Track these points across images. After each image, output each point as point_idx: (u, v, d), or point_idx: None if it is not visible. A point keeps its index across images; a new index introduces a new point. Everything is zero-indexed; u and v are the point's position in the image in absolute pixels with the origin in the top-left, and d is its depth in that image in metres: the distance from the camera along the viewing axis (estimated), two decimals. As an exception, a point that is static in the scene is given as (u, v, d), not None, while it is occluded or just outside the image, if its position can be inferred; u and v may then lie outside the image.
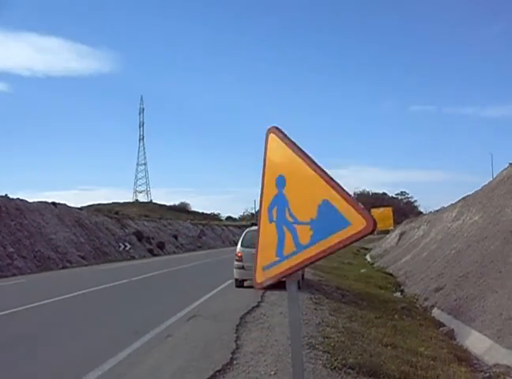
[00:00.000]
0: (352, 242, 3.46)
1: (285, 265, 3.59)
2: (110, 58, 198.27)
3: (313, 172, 3.54)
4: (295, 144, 3.66)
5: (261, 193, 3.83)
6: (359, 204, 3.45)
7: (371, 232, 3.35)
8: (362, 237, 3.36)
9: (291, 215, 3.60)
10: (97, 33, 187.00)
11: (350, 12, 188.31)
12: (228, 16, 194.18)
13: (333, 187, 3.46)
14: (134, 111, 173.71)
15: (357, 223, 3.31)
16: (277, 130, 3.76)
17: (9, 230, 32.43)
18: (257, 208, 3.94)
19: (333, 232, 3.39)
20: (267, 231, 3.76)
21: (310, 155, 3.62)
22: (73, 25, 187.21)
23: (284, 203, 3.64)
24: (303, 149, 3.64)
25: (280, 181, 3.68)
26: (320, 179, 3.51)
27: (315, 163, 3.57)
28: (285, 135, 3.72)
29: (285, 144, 3.68)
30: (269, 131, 3.79)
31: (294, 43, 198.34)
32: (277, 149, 3.73)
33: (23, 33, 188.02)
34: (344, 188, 3.49)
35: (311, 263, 3.63)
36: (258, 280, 3.81)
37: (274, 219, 3.70)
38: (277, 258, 3.64)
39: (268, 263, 3.71)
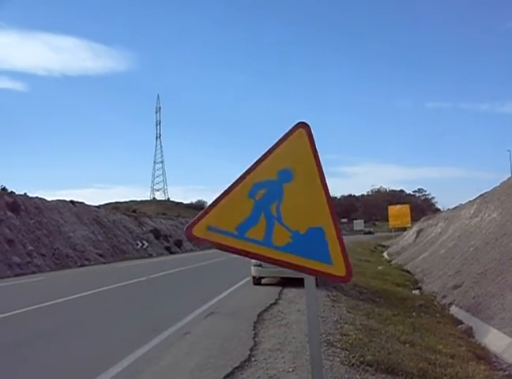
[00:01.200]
0: (321, 277, 3.70)
1: (241, 244, 3.52)
2: (125, 56, 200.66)
3: (323, 195, 3.59)
4: (317, 152, 3.66)
5: (252, 167, 3.63)
6: (347, 254, 3.59)
7: (345, 283, 3.59)
8: (335, 281, 3.61)
9: (277, 211, 3.54)
10: (112, 32, 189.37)
11: (364, 10, 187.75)
12: (246, 17, 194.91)
13: (334, 221, 3.56)
14: (151, 110, 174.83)
15: (339, 268, 3.49)
16: (308, 129, 3.68)
17: (29, 229, 32.74)
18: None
19: (312, 258, 3.50)
20: (238, 202, 3.57)
21: (325, 169, 3.65)
22: (88, 24, 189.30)
23: (278, 196, 3.56)
24: (321, 163, 3.65)
25: (285, 174, 3.60)
26: (325, 204, 3.58)
27: (326, 185, 3.62)
28: (313, 138, 3.67)
29: (310, 147, 3.65)
30: (299, 125, 3.69)
31: (310, 42, 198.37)
32: (298, 145, 3.66)
33: (39, 33, 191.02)
34: (341, 230, 3.63)
35: (273, 264, 3.66)
36: (196, 234, 3.56)
37: (256, 198, 3.56)
38: (235, 232, 3.51)
39: (219, 227, 3.52)
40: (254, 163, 3.65)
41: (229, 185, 3.63)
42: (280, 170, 3.62)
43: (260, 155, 3.68)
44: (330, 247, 3.50)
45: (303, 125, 3.69)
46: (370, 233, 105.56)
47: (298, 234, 3.51)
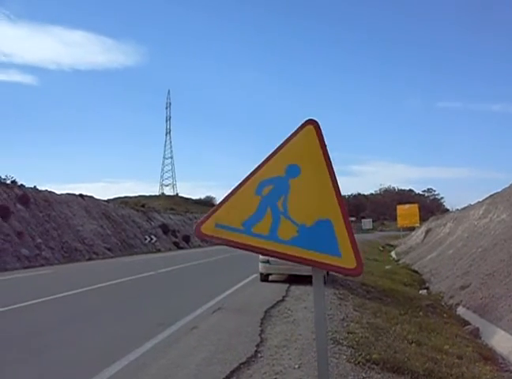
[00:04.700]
0: (329, 270, 3.71)
1: (247, 240, 3.55)
2: (135, 51, 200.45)
3: (332, 187, 3.60)
4: (326, 148, 3.68)
5: (260, 165, 3.70)
6: (358, 246, 3.54)
7: (356, 276, 3.50)
8: (343, 274, 3.58)
9: (283, 205, 3.57)
10: (122, 26, 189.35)
11: (376, 9, 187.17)
12: (258, 13, 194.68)
13: (343, 213, 3.55)
14: (161, 105, 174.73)
15: (348, 260, 3.44)
16: (317, 126, 3.72)
17: (38, 222, 32.88)
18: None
19: (319, 251, 3.47)
20: (246, 199, 3.63)
21: (334, 167, 3.65)
22: (98, 18, 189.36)
23: (285, 191, 3.60)
24: (331, 158, 3.67)
25: (292, 170, 3.63)
26: (334, 196, 3.58)
27: (336, 178, 3.63)
28: (322, 134, 3.70)
29: (318, 142, 3.67)
30: (308, 122, 3.72)
31: (322, 40, 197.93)
32: (307, 142, 3.69)
33: (49, 27, 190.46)
34: (350, 222, 3.60)
35: (278, 258, 3.67)
36: (204, 232, 3.61)
37: (263, 194, 3.61)
38: (242, 228, 3.56)
39: (226, 224, 3.58)
40: (262, 162, 3.70)
41: (237, 183, 3.70)
42: (287, 165, 3.65)
43: (268, 153, 3.72)
44: (339, 239, 3.47)
45: (311, 122, 3.73)
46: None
47: (304, 228, 3.51)
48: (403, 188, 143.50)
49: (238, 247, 3.62)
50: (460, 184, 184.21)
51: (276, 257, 3.73)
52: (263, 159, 3.71)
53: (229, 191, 3.69)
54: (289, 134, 3.73)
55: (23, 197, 33.04)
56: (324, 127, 3.69)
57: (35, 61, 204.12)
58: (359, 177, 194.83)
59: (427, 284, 23.30)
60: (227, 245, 3.65)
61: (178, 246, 54.01)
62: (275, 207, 3.57)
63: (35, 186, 36.44)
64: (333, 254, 3.46)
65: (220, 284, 16.02)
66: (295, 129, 3.73)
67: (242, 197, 3.64)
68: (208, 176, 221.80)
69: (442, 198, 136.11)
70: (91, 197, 44.42)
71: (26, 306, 11.96)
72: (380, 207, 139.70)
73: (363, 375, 6.36)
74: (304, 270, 14.05)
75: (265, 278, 16.23)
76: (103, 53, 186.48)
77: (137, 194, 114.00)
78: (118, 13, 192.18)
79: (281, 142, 3.72)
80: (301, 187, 3.61)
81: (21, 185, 34.70)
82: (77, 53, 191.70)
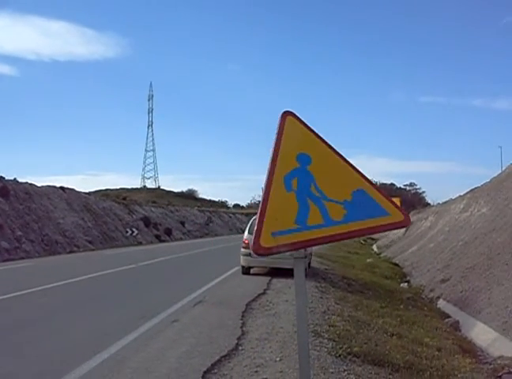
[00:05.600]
0: (386, 230, 3.78)
1: (310, 235, 3.46)
2: (116, 43, 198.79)
3: (343, 162, 3.67)
4: (315, 131, 3.72)
5: (272, 164, 3.62)
6: (396, 203, 3.66)
7: (407, 226, 3.62)
8: (398, 228, 3.74)
9: (318, 190, 3.55)
10: (103, 18, 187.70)
11: (358, 4, 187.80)
12: (239, 5, 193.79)
13: (366, 179, 3.64)
14: (143, 97, 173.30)
15: (396, 215, 3.55)
16: (295, 115, 3.74)
17: (18, 214, 32.56)
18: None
19: (370, 217, 3.53)
20: (281, 199, 3.55)
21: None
22: (79, 9, 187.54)
23: (309, 178, 3.58)
24: (325, 139, 3.70)
25: (303, 158, 3.63)
26: (351, 169, 3.66)
27: (342, 155, 3.69)
28: (304, 122, 3.73)
29: (306, 128, 3.71)
30: (286, 114, 3.74)
31: (302, 34, 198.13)
32: (297, 131, 3.71)
33: (30, 17, 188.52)
34: (378, 187, 3.67)
35: (342, 239, 3.65)
36: (265, 245, 3.40)
37: (294, 189, 3.57)
38: (297, 226, 3.46)
39: (281, 229, 3.45)
40: (272, 160, 3.63)
41: (263, 189, 3.61)
42: (296, 156, 3.64)
43: (270, 153, 3.66)
44: (379, 201, 3.58)
45: (288, 113, 3.75)
46: None
47: (348, 203, 3.55)
48: (385, 182, 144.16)
49: (306, 246, 3.59)
50: (441, 178, 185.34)
51: (344, 239, 3.73)
52: (271, 158, 3.64)
53: (260, 201, 3.60)
54: (276, 129, 3.70)
55: (3, 189, 32.68)
56: (308, 120, 3.70)
57: (15, 51, 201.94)
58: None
59: (407, 277, 23.47)
60: (295, 249, 3.52)
61: (159, 239, 53.85)
62: (312, 195, 3.56)
63: (15, 178, 36.08)
64: (384, 215, 3.55)
65: (201, 277, 16.00)
66: (278, 123, 3.71)
67: (278, 199, 3.56)
68: (191, 169, 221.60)
69: (423, 192, 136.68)
70: (72, 190, 44.06)
71: (5, 299, 11.82)
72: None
73: (344, 368, 6.38)
74: (285, 263, 14.07)
75: (246, 271, 16.24)
76: (83, 44, 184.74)
77: (118, 187, 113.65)
78: (99, 4, 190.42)
79: (274, 138, 3.68)
80: (321, 171, 3.63)
81: (1, 177, 34.31)
82: (57, 44, 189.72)
